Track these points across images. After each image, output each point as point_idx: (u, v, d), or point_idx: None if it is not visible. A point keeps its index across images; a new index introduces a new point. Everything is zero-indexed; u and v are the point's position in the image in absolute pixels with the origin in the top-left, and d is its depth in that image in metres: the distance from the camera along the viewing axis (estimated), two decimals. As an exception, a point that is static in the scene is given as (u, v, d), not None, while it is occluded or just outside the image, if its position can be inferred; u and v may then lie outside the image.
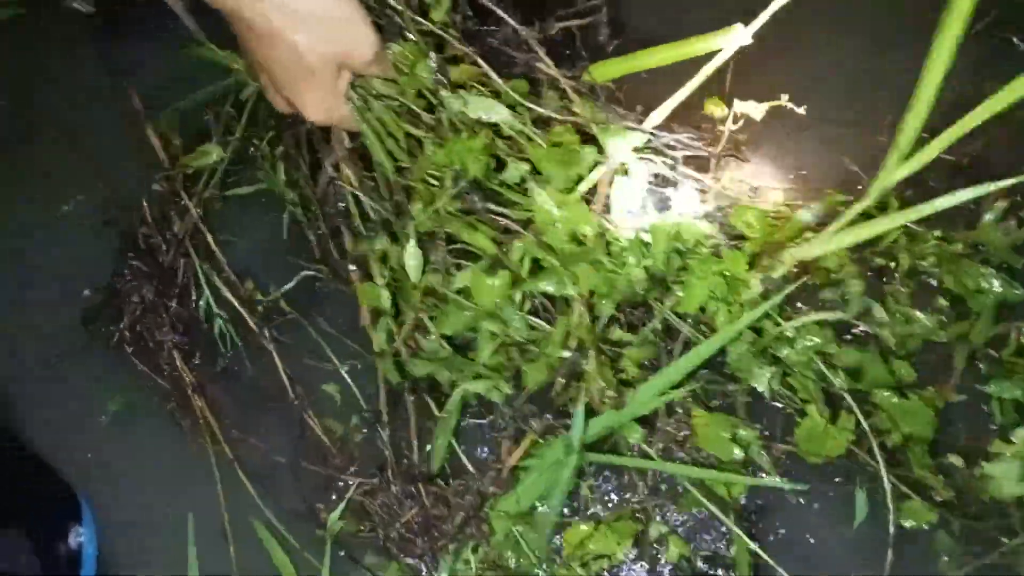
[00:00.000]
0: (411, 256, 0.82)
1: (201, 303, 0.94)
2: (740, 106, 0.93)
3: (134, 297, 0.94)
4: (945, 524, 0.78)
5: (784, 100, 0.94)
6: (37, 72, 1.09)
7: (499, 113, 0.82)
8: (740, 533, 0.79)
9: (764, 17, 0.80)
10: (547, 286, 0.82)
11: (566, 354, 0.81)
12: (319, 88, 0.76)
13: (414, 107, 0.82)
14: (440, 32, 0.83)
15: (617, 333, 0.83)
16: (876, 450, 0.77)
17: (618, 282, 0.81)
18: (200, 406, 0.91)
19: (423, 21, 0.82)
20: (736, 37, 0.83)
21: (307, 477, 0.88)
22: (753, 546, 0.79)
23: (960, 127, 0.71)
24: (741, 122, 0.94)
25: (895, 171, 0.76)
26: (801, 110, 0.94)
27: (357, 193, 0.87)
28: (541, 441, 0.82)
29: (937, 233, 0.86)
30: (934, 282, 0.87)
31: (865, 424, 0.78)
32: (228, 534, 0.87)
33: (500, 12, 0.87)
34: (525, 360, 0.83)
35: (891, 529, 0.77)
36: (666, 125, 0.89)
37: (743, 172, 0.93)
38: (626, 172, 0.86)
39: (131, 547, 0.90)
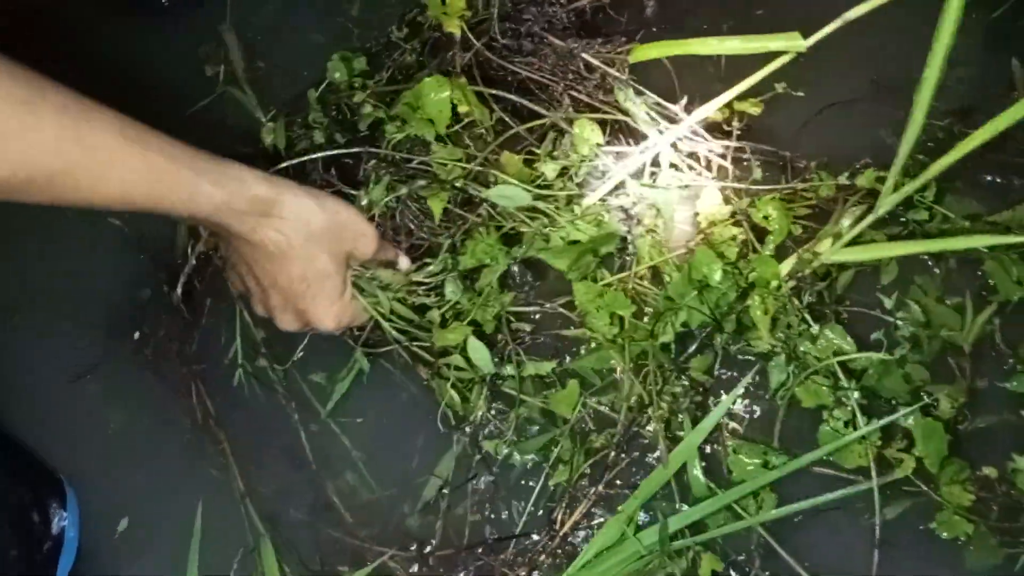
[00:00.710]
0: (475, 349, 0.85)
1: (230, 355, 0.94)
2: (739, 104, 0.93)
3: (161, 331, 0.95)
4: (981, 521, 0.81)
5: (780, 88, 0.93)
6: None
7: (521, 198, 0.86)
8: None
9: (827, 29, 0.79)
10: (595, 365, 0.87)
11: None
12: (333, 291, 0.80)
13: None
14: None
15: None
16: (873, 468, 0.81)
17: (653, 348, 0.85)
18: (222, 442, 0.91)
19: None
20: (796, 43, 0.82)
21: (322, 531, 0.88)
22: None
23: (956, 152, 0.72)
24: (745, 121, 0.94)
25: (895, 194, 0.78)
26: (799, 94, 0.94)
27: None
28: (595, 512, 0.85)
29: (991, 218, 0.88)
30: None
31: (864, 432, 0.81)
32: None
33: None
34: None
35: (876, 532, 0.81)
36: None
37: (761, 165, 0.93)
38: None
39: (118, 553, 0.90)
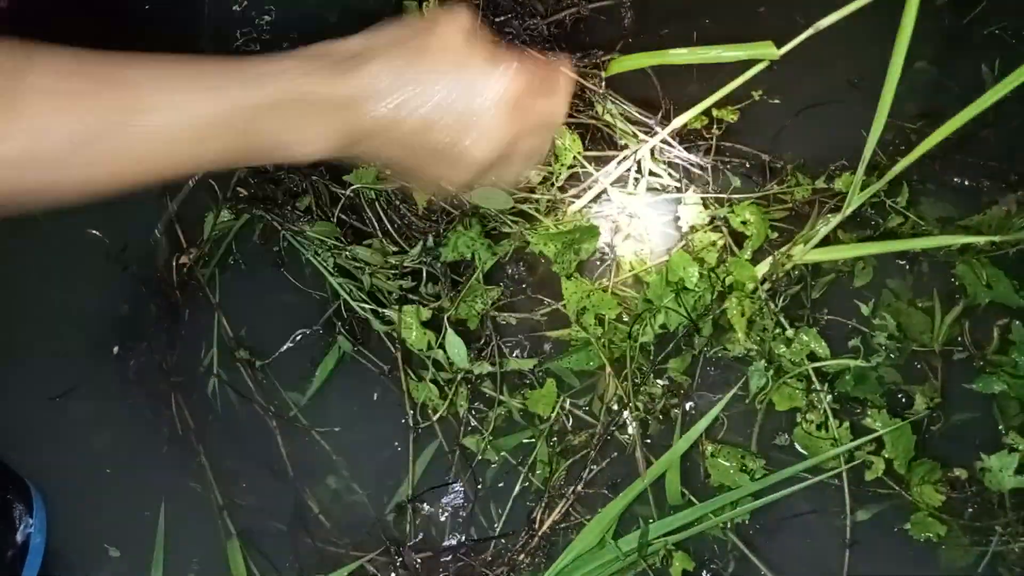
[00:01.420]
0: (452, 344, 0.86)
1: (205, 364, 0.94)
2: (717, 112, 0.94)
3: (142, 344, 0.95)
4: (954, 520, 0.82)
5: (757, 95, 0.95)
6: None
7: (504, 202, 0.85)
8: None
9: (799, 38, 0.79)
10: (574, 365, 0.88)
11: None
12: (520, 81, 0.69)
13: None
14: None
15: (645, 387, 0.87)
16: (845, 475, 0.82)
17: (633, 351, 0.86)
18: (200, 455, 0.91)
19: None
20: (769, 52, 0.82)
21: (301, 539, 0.88)
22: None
23: (916, 152, 0.74)
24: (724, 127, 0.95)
25: (862, 192, 0.79)
26: (775, 101, 0.96)
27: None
28: (573, 512, 0.85)
29: (962, 222, 0.90)
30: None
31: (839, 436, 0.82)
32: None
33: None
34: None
35: (848, 532, 0.82)
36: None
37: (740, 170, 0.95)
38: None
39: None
